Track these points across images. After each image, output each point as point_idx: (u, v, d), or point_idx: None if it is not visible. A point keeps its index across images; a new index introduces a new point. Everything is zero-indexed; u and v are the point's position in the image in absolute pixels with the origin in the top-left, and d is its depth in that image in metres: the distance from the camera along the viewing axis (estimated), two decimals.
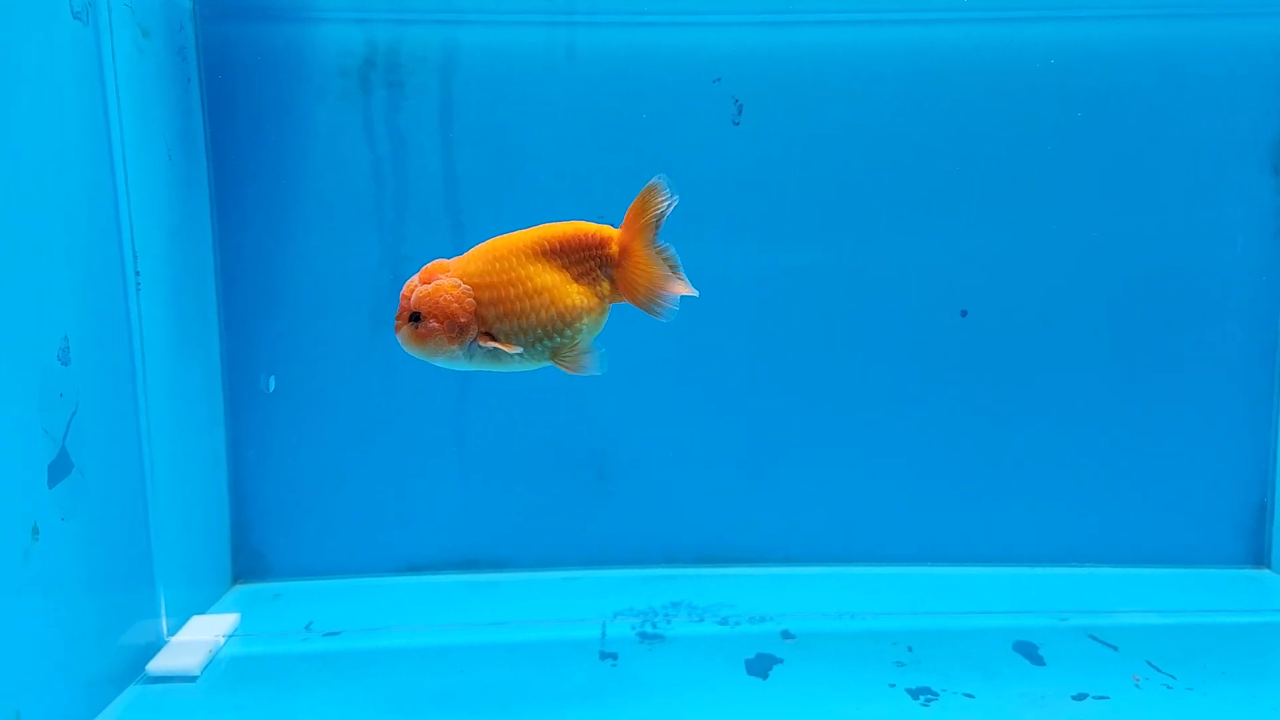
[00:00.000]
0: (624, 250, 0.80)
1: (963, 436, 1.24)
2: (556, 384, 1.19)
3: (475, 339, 0.77)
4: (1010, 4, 1.16)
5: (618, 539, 1.25)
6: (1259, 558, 1.25)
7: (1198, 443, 1.24)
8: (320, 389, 1.20)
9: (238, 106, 1.15)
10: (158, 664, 0.96)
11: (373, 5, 1.15)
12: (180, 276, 1.06)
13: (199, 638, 1.01)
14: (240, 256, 1.17)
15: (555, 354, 0.78)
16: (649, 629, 1.07)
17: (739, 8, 1.16)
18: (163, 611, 1.01)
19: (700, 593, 1.17)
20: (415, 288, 0.77)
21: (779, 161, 1.18)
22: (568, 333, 0.77)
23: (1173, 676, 0.95)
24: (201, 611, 1.10)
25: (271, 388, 0.77)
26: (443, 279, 0.77)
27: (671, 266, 0.80)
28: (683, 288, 0.79)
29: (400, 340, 0.78)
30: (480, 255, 0.78)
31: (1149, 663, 0.98)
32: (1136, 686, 0.93)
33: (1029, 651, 1.01)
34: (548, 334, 0.77)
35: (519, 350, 0.77)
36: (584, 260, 0.78)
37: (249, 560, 1.22)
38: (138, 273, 0.96)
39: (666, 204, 0.77)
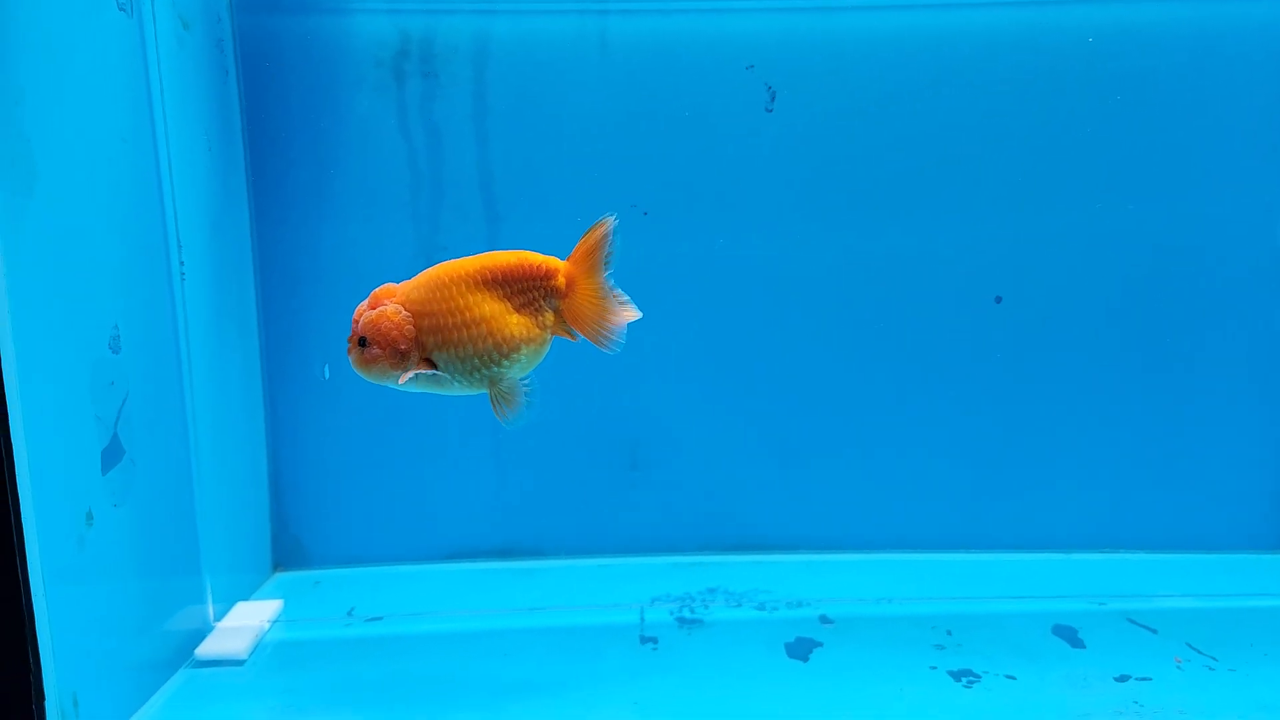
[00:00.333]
0: (572, 282, 0.79)
1: (996, 423, 1.24)
2: (590, 374, 1.20)
3: (415, 365, 0.77)
4: None
5: (652, 527, 1.26)
6: None
7: (1232, 428, 1.23)
8: (357, 380, 1.20)
9: (273, 98, 1.16)
10: (206, 648, 0.97)
11: None
12: (221, 267, 1.07)
13: (245, 623, 1.03)
14: (277, 247, 1.18)
15: (493, 383, 0.78)
16: (687, 614, 1.08)
17: None
18: (209, 598, 1.02)
19: (736, 579, 1.18)
20: (363, 313, 0.78)
21: (812, 148, 1.18)
22: (505, 363, 0.77)
23: (1214, 658, 0.95)
24: (245, 598, 1.11)
25: (328, 375, 0.77)
26: (387, 305, 0.77)
27: (617, 299, 0.79)
28: (629, 313, 0.79)
29: (351, 363, 0.79)
30: (424, 282, 0.78)
31: (1189, 645, 0.99)
32: (1178, 668, 0.93)
33: (1068, 635, 1.01)
34: (484, 363, 0.77)
35: (456, 378, 0.77)
36: (528, 290, 0.77)
37: (288, 548, 1.23)
38: (182, 263, 0.97)
39: (612, 243, 0.77)
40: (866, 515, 1.25)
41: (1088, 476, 1.24)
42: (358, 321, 0.78)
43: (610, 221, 0.75)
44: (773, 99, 1.17)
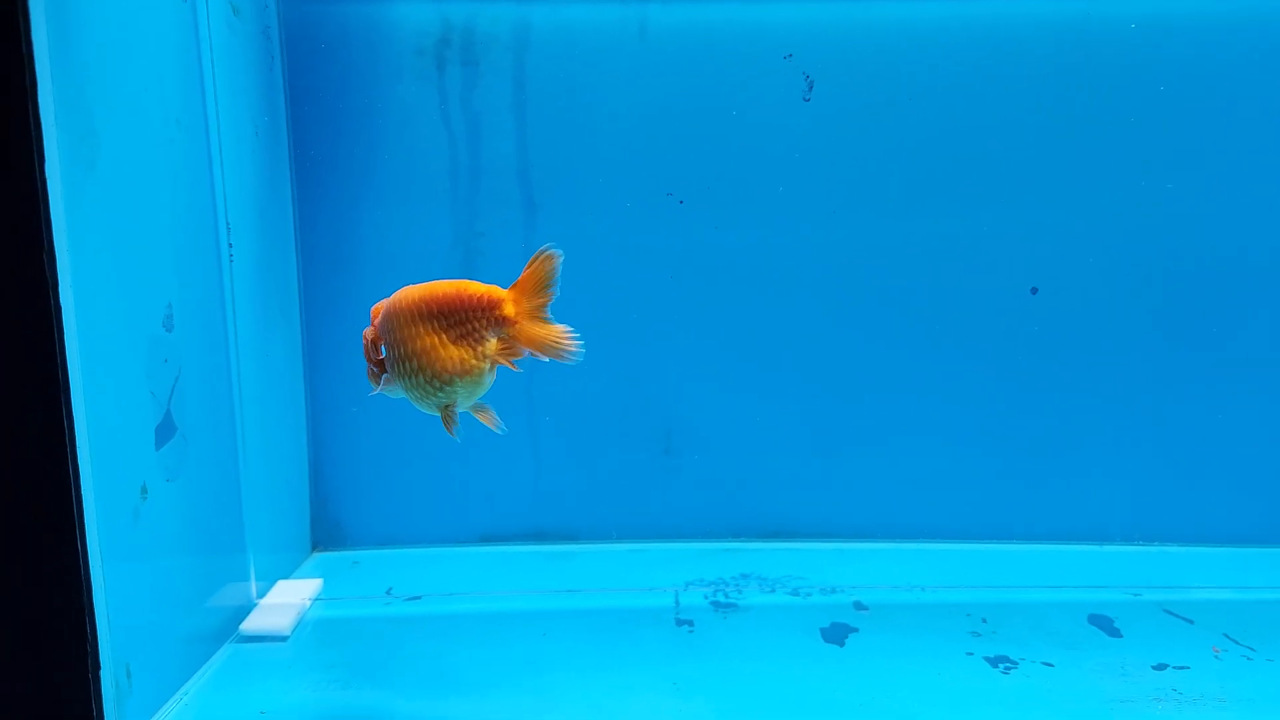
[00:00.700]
0: (520, 312, 0.76)
1: (1032, 414, 1.24)
2: (625, 360, 1.21)
3: (384, 383, 0.79)
4: None
5: (684, 512, 1.27)
6: None
7: (1269, 421, 1.23)
8: None
9: (317, 85, 1.17)
10: (250, 624, 0.99)
11: None
12: (266, 250, 1.09)
13: (287, 600, 1.04)
14: (319, 232, 1.19)
15: (447, 406, 0.78)
16: (721, 598, 1.09)
17: None
18: (252, 575, 1.03)
19: (769, 565, 1.19)
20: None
21: (849, 138, 1.19)
22: (446, 390, 0.77)
23: (1252, 649, 0.96)
24: (285, 577, 1.13)
25: (383, 353, 0.79)
26: (368, 327, 0.79)
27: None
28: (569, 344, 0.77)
29: None
30: (384, 309, 0.78)
31: (1226, 635, 0.99)
32: (1216, 658, 0.94)
33: (1104, 624, 1.02)
34: (426, 393, 0.77)
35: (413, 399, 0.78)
36: (466, 321, 0.76)
37: (327, 529, 1.25)
38: (230, 245, 0.98)
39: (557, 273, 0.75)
40: (900, 504, 1.26)
41: (1123, 468, 1.25)
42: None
43: (556, 255, 0.74)
44: (810, 88, 1.18)
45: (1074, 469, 1.25)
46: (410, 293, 0.77)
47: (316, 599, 1.08)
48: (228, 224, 0.97)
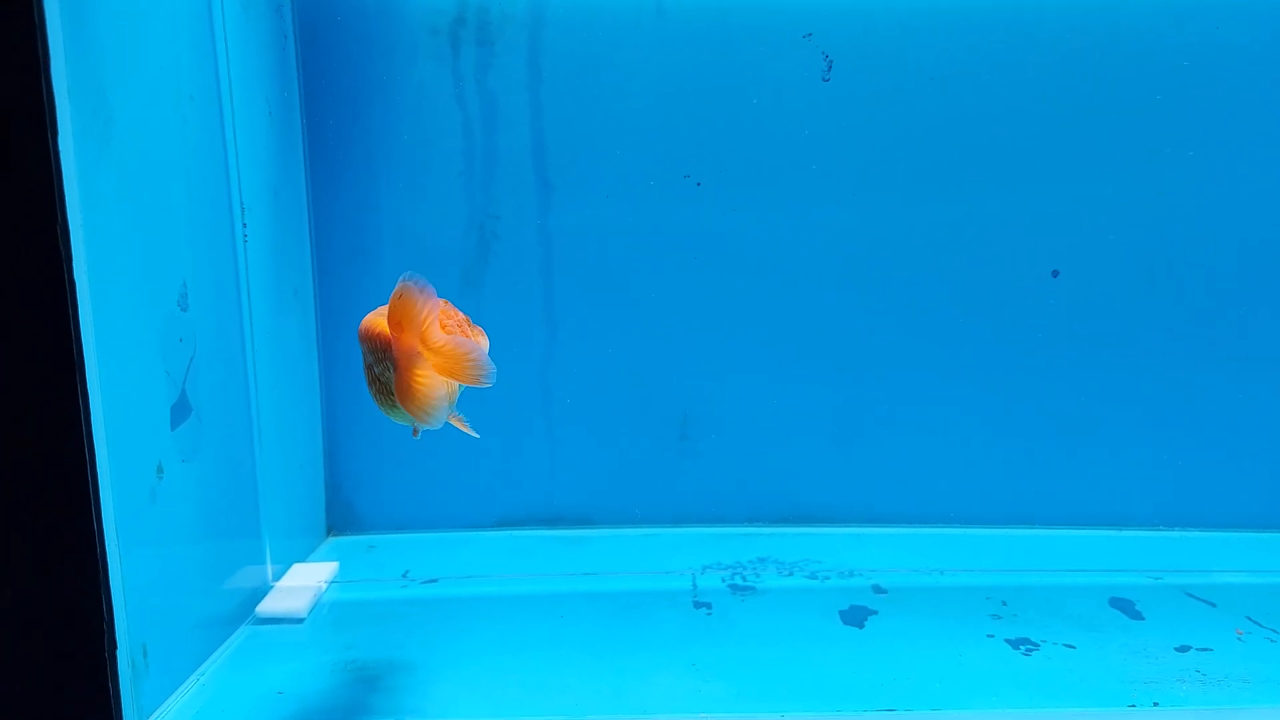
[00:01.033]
0: (406, 348, 0.71)
1: (1051, 397, 1.23)
2: (642, 344, 1.20)
3: None
4: None
5: (700, 497, 1.26)
6: None
7: None
8: None
9: (330, 64, 1.17)
10: (266, 606, 0.98)
11: None
12: (281, 231, 1.08)
13: (303, 583, 1.04)
14: (333, 213, 1.19)
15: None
16: (739, 581, 1.08)
17: None
18: (268, 558, 1.03)
19: (785, 549, 1.18)
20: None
21: (868, 118, 1.18)
22: (397, 410, 0.74)
23: (1275, 631, 0.95)
24: (301, 560, 1.12)
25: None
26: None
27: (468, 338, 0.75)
28: (480, 342, 0.75)
29: None
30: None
31: (1249, 618, 0.98)
32: (1240, 640, 0.93)
33: (1126, 607, 1.01)
34: (395, 413, 0.75)
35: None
36: (376, 351, 0.72)
37: (341, 513, 1.25)
38: (245, 225, 0.98)
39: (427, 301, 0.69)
40: (918, 489, 1.25)
41: (1142, 452, 1.23)
42: None
43: (410, 286, 0.68)
44: (830, 68, 1.17)
45: (1094, 453, 1.24)
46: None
47: (332, 582, 1.08)
48: (242, 204, 0.97)
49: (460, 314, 0.80)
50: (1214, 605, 1.01)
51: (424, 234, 1.20)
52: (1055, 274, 1.20)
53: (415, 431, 0.80)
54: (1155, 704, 0.80)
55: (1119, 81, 1.16)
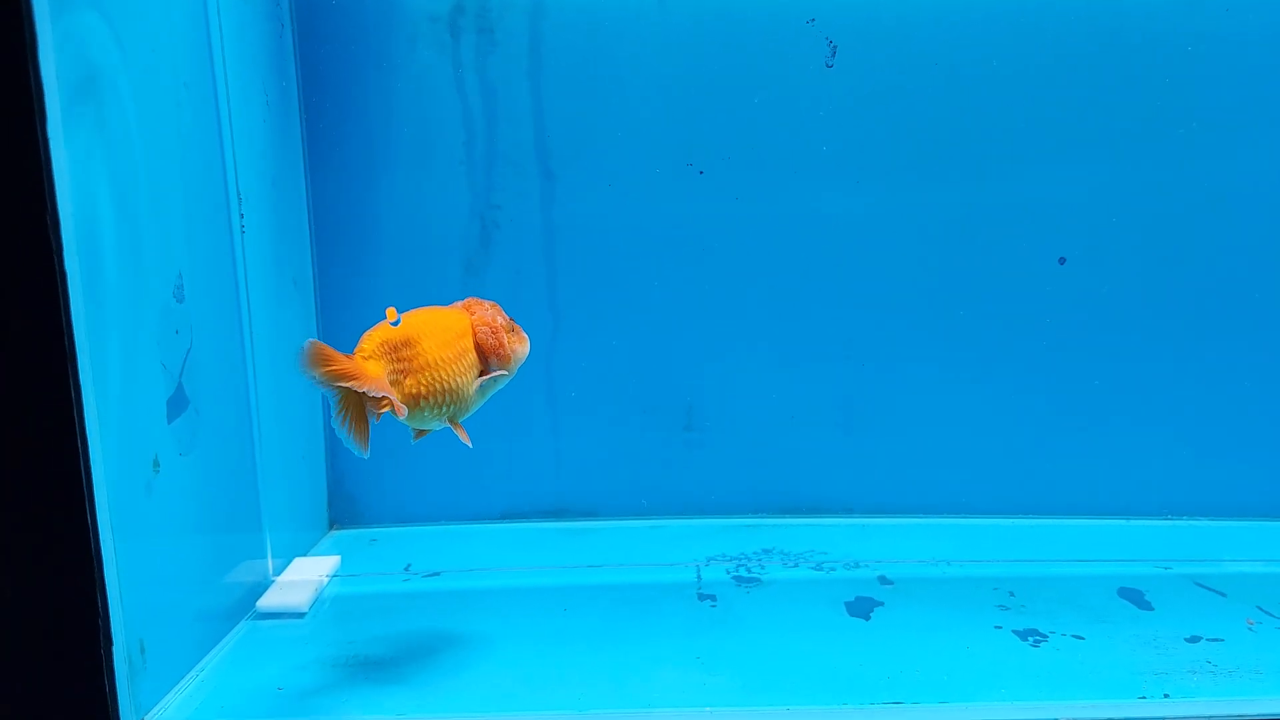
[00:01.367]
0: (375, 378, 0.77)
1: (1058, 386, 1.21)
2: (646, 335, 1.19)
3: None
4: None
5: (705, 489, 1.25)
6: None
7: None
8: None
9: (329, 53, 1.15)
10: (267, 601, 0.98)
11: None
12: (279, 221, 1.07)
13: (304, 577, 1.03)
14: (333, 202, 1.17)
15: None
16: (743, 573, 1.07)
17: None
18: (269, 552, 1.02)
19: (790, 540, 1.17)
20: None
21: (872, 104, 1.16)
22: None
23: None
24: (302, 554, 1.11)
25: (397, 322, 0.78)
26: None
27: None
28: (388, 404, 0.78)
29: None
30: None
31: (1260, 608, 0.97)
32: (1251, 630, 0.92)
33: (1135, 597, 0.99)
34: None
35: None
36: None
37: (344, 506, 1.24)
38: (242, 215, 0.96)
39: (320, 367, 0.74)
40: (924, 479, 1.24)
41: (1151, 441, 1.22)
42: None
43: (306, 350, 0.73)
44: (834, 54, 1.15)
45: (1101, 442, 1.22)
46: None
47: (334, 576, 1.07)
48: (239, 194, 0.96)
49: (506, 317, 0.85)
50: (1224, 595, 1.00)
51: (425, 223, 1.19)
52: (1062, 261, 1.19)
53: (416, 435, 0.82)
54: (1166, 695, 0.79)
55: (1125, 64, 1.15)
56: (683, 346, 1.21)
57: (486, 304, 0.86)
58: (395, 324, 0.78)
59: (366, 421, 0.78)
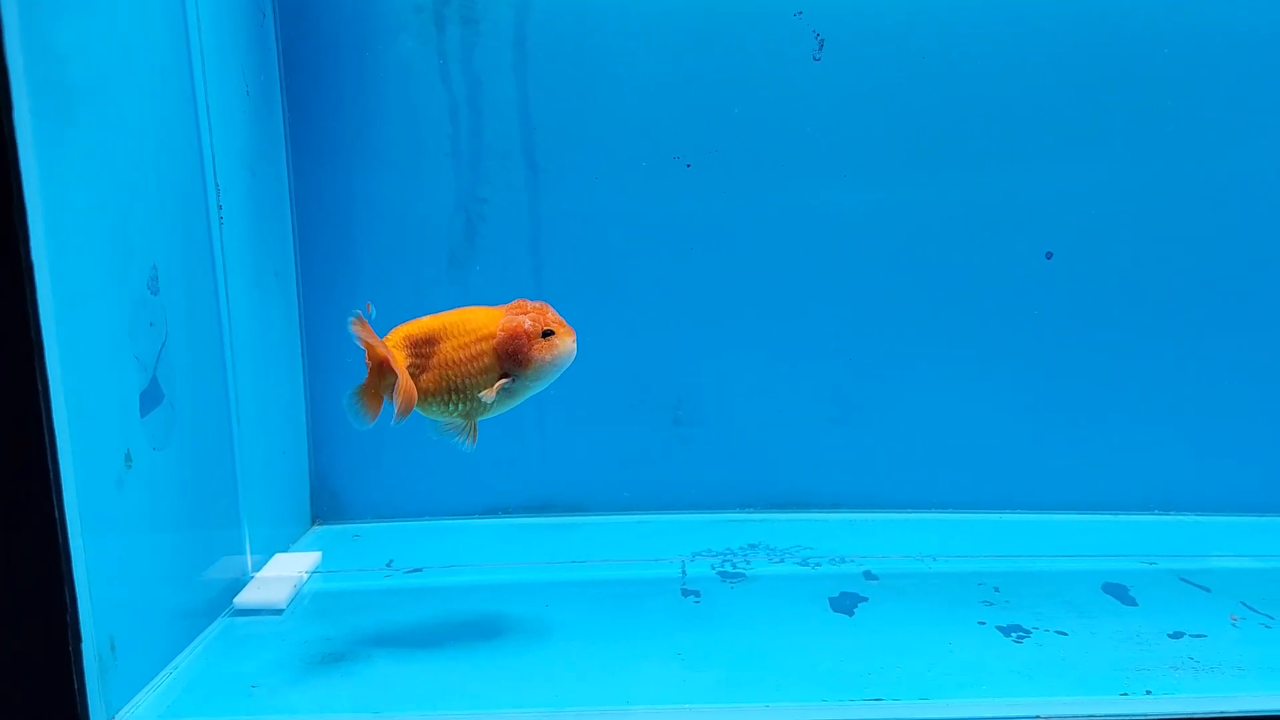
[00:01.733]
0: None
1: (1045, 382, 1.21)
2: (634, 329, 1.18)
3: None
4: None
5: (692, 484, 1.24)
6: None
7: None
8: None
9: (311, 43, 1.14)
10: (245, 598, 0.97)
11: None
12: (259, 213, 1.06)
13: (283, 573, 1.02)
14: (316, 194, 1.17)
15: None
16: (729, 568, 1.06)
17: None
18: (247, 548, 1.01)
19: (776, 535, 1.17)
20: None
21: (860, 98, 1.16)
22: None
23: (1270, 616, 0.93)
24: (284, 550, 1.10)
25: (373, 315, 0.77)
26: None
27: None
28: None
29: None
30: None
31: (1244, 604, 0.96)
32: (1234, 626, 0.91)
33: (1119, 593, 0.99)
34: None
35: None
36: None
37: (326, 501, 1.23)
38: (220, 206, 0.95)
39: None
40: (910, 474, 1.23)
41: (1136, 437, 1.22)
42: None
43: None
44: (821, 47, 1.15)
45: (1087, 438, 1.22)
46: None
47: (315, 572, 1.06)
48: (217, 185, 0.95)
49: (553, 313, 0.86)
50: (1208, 590, 0.99)
51: (410, 215, 1.18)
52: (1049, 256, 1.18)
53: (397, 417, 0.85)
54: (1148, 691, 0.79)
55: (1116, 59, 1.14)
56: (670, 341, 1.21)
57: (532, 306, 0.85)
58: (370, 317, 0.79)
59: (380, 400, 0.84)
